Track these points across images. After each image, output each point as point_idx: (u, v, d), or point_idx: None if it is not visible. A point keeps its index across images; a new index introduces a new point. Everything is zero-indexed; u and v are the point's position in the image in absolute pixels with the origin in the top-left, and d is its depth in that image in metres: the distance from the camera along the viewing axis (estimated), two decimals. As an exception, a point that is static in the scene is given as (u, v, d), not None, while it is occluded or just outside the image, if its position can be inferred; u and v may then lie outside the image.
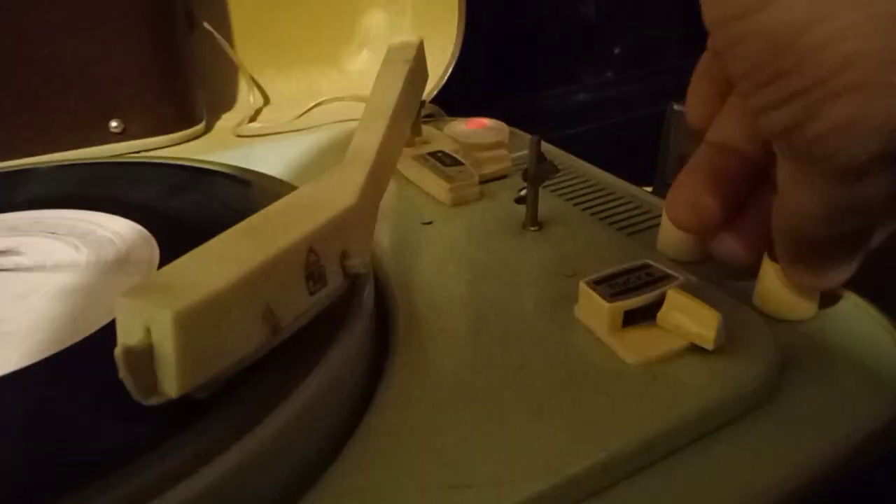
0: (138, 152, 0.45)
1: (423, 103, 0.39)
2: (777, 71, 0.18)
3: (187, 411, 0.18)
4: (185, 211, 0.31)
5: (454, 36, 0.50)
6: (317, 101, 0.51)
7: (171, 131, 0.46)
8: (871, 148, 0.18)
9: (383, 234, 0.33)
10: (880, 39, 0.17)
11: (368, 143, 0.27)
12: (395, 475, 0.20)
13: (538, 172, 0.31)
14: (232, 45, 0.52)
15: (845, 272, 0.25)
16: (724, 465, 0.21)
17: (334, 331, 0.22)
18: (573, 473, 0.20)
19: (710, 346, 0.23)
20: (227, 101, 0.52)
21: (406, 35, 0.54)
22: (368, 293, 0.24)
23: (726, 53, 0.20)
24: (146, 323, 0.17)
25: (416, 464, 0.20)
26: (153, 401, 0.17)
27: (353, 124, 0.46)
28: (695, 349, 0.24)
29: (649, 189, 0.38)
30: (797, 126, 0.19)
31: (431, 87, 0.48)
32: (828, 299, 0.27)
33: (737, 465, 0.21)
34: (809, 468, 0.21)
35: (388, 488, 0.19)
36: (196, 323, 0.17)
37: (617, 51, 0.80)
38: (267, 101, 0.53)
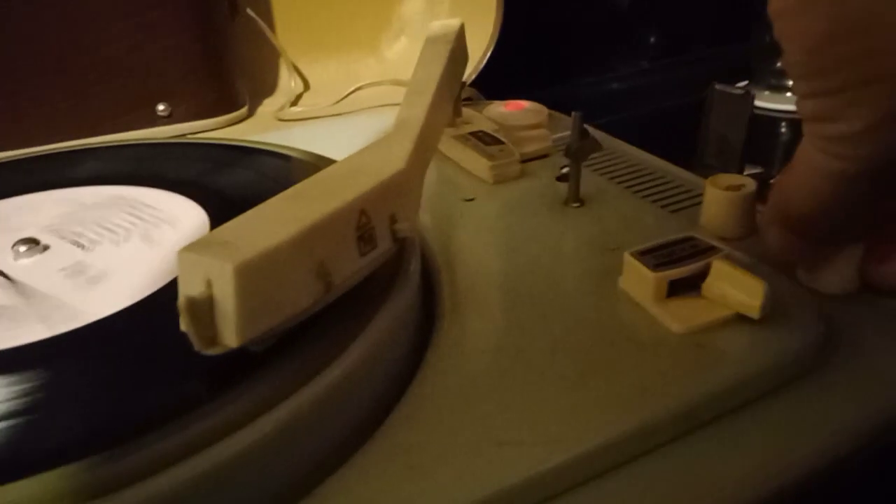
0: (184, 135, 0.46)
1: (462, 85, 0.40)
2: (809, 71, 0.20)
3: (244, 364, 0.19)
4: (240, 188, 0.31)
5: (492, 22, 0.51)
6: (356, 87, 0.52)
7: (216, 115, 0.47)
8: (873, 162, 0.21)
9: (425, 211, 0.33)
10: None
11: (414, 115, 0.27)
12: (446, 432, 0.20)
13: (581, 148, 0.31)
14: (273, 32, 0.52)
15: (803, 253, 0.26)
16: (767, 432, 0.21)
17: (384, 291, 0.22)
18: (621, 434, 0.20)
19: (755, 315, 0.23)
20: (268, 87, 0.53)
21: (444, 22, 0.54)
22: (416, 257, 0.24)
23: (780, 42, 0.21)
24: (207, 276, 0.18)
25: (466, 422, 0.20)
26: (213, 351, 0.18)
27: (391, 108, 0.47)
28: (739, 319, 0.24)
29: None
30: (822, 120, 0.21)
31: (470, 70, 0.49)
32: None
33: (778, 433, 0.21)
34: (849, 438, 0.21)
35: (440, 444, 0.20)
36: (255, 276, 0.18)
37: (651, 40, 0.79)
38: (307, 86, 0.54)
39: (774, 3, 0.21)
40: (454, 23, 0.38)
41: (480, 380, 0.22)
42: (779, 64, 0.66)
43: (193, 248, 0.18)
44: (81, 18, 0.42)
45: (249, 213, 0.20)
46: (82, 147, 0.39)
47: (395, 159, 0.23)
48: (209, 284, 0.18)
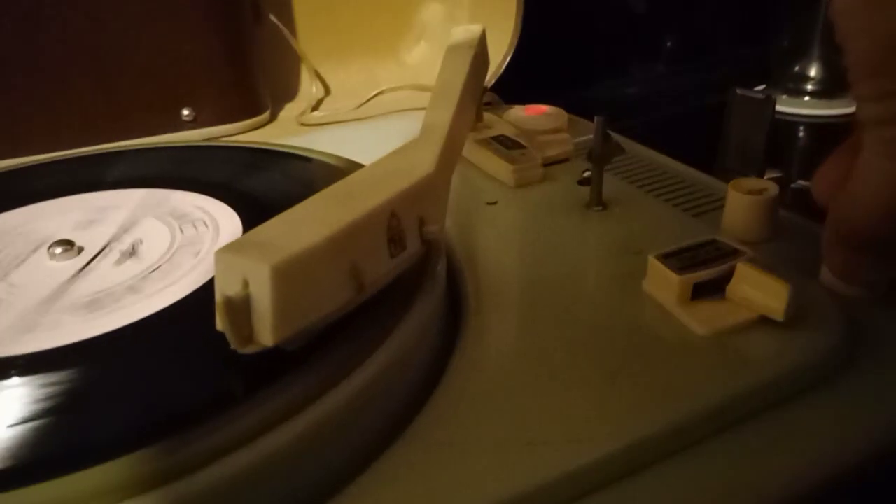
0: (208, 140, 0.47)
1: (484, 89, 0.40)
2: (874, 70, 0.20)
3: (278, 363, 0.19)
4: (272, 191, 0.32)
5: (511, 27, 0.51)
6: (376, 91, 0.52)
7: (239, 119, 0.48)
8: None
9: (448, 214, 0.34)
10: None
11: (440, 119, 0.27)
12: (474, 431, 0.20)
13: (604, 152, 0.31)
14: (295, 37, 0.53)
15: (870, 275, 0.26)
16: (791, 435, 0.21)
17: (412, 293, 0.22)
18: (648, 435, 0.20)
19: (780, 317, 0.23)
20: (290, 92, 0.54)
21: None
22: (443, 259, 0.25)
23: (842, 43, 0.21)
24: (244, 276, 0.18)
25: (494, 421, 0.21)
26: (249, 350, 0.18)
27: (412, 113, 0.48)
28: (763, 322, 0.24)
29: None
30: (885, 123, 0.20)
31: (490, 74, 0.49)
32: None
33: (803, 435, 0.21)
34: (874, 442, 0.21)
35: (469, 442, 0.20)
36: (291, 276, 0.18)
37: (668, 44, 0.79)
38: (328, 91, 0.55)
39: (839, 1, 0.20)
40: (476, 28, 0.38)
41: (506, 380, 0.22)
42: (797, 68, 0.66)
43: (230, 249, 0.19)
44: (108, 24, 0.43)
45: (284, 214, 0.20)
46: (111, 150, 0.39)
47: (424, 163, 0.23)
48: (246, 284, 0.18)
